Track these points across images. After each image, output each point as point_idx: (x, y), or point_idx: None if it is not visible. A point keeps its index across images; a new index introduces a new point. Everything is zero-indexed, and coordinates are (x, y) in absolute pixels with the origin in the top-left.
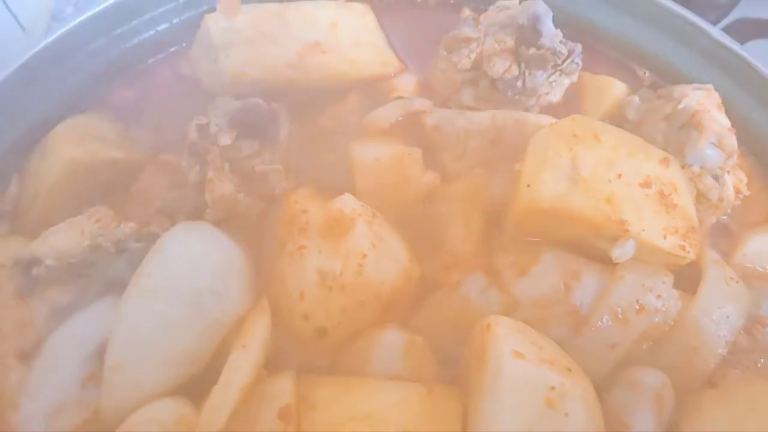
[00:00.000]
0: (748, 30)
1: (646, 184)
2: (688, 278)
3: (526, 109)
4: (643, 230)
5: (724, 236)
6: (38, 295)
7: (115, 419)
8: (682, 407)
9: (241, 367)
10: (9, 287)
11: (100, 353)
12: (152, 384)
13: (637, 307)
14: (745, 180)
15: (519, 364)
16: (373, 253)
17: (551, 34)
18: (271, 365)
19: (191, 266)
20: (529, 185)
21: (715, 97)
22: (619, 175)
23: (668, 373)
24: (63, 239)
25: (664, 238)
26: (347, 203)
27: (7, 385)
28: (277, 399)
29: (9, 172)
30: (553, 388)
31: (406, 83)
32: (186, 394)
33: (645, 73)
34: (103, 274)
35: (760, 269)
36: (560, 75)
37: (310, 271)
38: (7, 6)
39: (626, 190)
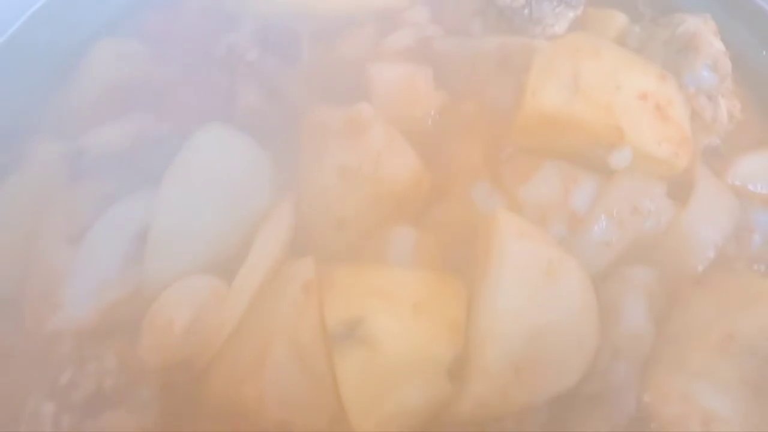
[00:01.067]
0: None
1: (643, 97)
2: (681, 190)
3: (532, 38)
4: (639, 138)
5: (717, 157)
6: (85, 184)
7: (154, 292)
8: (672, 301)
9: (269, 244)
10: (60, 176)
11: (140, 236)
12: (188, 261)
13: (631, 209)
14: (739, 106)
15: (522, 241)
16: (387, 153)
17: None
18: (294, 253)
19: (222, 160)
20: (533, 93)
21: (712, 25)
22: (618, 88)
23: (660, 272)
24: (108, 135)
25: (659, 145)
26: (365, 108)
27: (58, 264)
28: (301, 275)
29: (52, 89)
30: (551, 260)
31: (420, 13)
32: (218, 273)
33: (646, 9)
34: (144, 166)
35: (749, 188)
36: (566, 7)
37: (331, 165)
38: None
39: (624, 101)
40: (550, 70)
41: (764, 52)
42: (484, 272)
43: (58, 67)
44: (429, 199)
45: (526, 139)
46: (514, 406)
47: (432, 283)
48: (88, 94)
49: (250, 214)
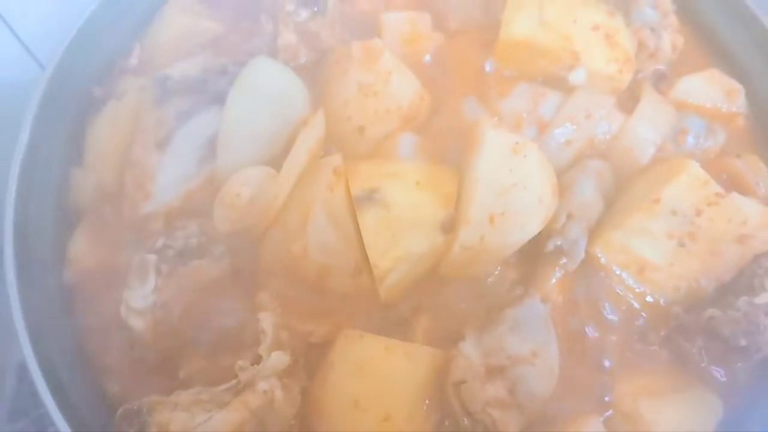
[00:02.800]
0: None
1: (596, 28)
2: (631, 105)
3: None
4: (591, 59)
5: (663, 81)
6: (168, 102)
7: (223, 180)
8: (620, 186)
9: (308, 137)
10: (149, 97)
11: (211, 142)
12: (248, 157)
13: (585, 114)
14: (682, 40)
15: (494, 130)
16: (395, 74)
17: None
18: (326, 153)
19: (270, 80)
20: (506, 25)
21: None
22: (575, 21)
23: (612, 164)
24: (185, 65)
25: (607, 64)
26: (377, 41)
27: (149, 164)
28: (331, 163)
29: (132, 41)
30: (517, 143)
31: None
32: (271, 165)
33: None
34: (212, 89)
35: (688, 101)
36: None
37: (352, 84)
38: None
39: (580, 32)
40: (520, 7)
41: None
42: (469, 156)
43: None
44: (429, 113)
45: (504, 63)
46: (490, 248)
47: (431, 170)
48: (162, 39)
49: (291, 122)
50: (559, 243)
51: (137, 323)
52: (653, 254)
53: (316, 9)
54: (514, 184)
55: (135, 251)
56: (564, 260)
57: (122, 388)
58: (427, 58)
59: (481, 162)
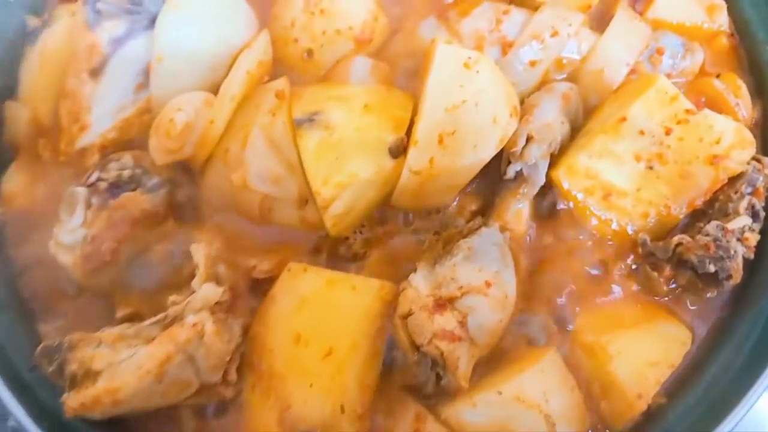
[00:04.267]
0: None
1: None
2: (604, 25)
3: None
4: None
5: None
6: (101, 26)
7: (160, 104)
8: (590, 110)
9: (247, 57)
10: (81, 21)
11: (147, 70)
12: (185, 78)
13: (551, 32)
14: None
15: (447, 46)
16: None
17: None
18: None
19: (209, 4)
20: None
21: None
22: None
23: (581, 87)
24: None
25: None
26: None
27: (83, 95)
28: (275, 87)
29: None
30: (470, 57)
31: None
32: (211, 92)
33: None
34: (147, 11)
35: (666, 19)
36: None
37: (297, 2)
38: None
39: None
40: None
41: None
42: (423, 77)
43: None
44: (385, 36)
45: None
46: (442, 172)
47: (382, 93)
48: None
49: (234, 45)
50: (519, 168)
51: (66, 259)
52: (619, 178)
53: None
54: (464, 101)
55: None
56: (525, 185)
57: (56, 331)
58: None
59: (430, 78)
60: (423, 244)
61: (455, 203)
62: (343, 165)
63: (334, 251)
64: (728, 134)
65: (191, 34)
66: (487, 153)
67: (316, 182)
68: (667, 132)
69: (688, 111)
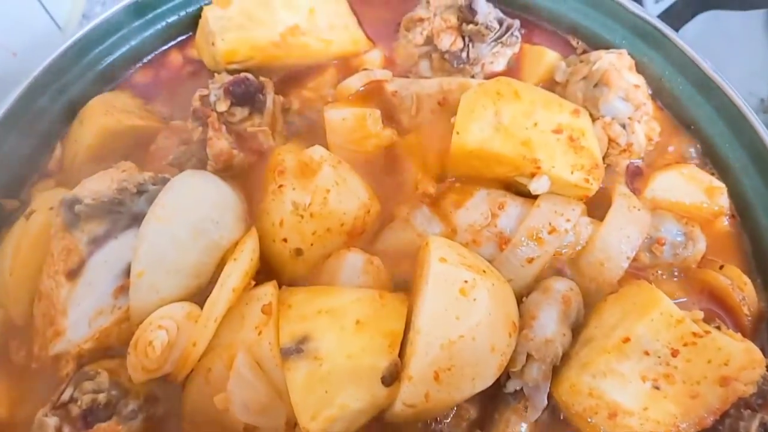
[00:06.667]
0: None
1: (558, 131)
2: (602, 210)
3: (473, 76)
4: (554, 167)
5: (637, 176)
6: (80, 227)
7: (140, 317)
8: (589, 309)
9: (233, 273)
10: (58, 222)
11: (128, 271)
12: (167, 290)
13: (549, 228)
14: (658, 129)
15: (442, 265)
16: (336, 189)
17: (484, 13)
18: (258, 280)
19: (195, 200)
20: (458, 132)
21: (627, 60)
22: (535, 124)
23: (582, 284)
24: (98, 184)
25: (572, 173)
26: (316, 152)
27: (59, 297)
28: (261, 299)
29: (53, 140)
30: (466, 281)
31: (374, 58)
32: (196, 299)
33: (578, 42)
34: (129, 210)
35: (664, 200)
36: (502, 47)
37: (286, 203)
38: (45, 9)
39: (540, 136)
40: (473, 112)
41: (680, 79)
42: (417, 291)
43: (62, 119)
44: (377, 225)
45: (459, 169)
46: (437, 405)
47: (375, 300)
48: (84, 143)
49: (220, 247)
50: (519, 387)
51: None
52: (625, 398)
53: (252, 107)
54: (461, 336)
55: (43, 400)
56: (526, 403)
57: None
58: (377, 158)
59: (424, 307)
60: None
61: (453, 411)
62: (334, 398)
63: None
64: (737, 355)
65: (175, 246)
66: (486, 383)
67: (304, 417)
68: (674, 354)
69: (695, 334)
